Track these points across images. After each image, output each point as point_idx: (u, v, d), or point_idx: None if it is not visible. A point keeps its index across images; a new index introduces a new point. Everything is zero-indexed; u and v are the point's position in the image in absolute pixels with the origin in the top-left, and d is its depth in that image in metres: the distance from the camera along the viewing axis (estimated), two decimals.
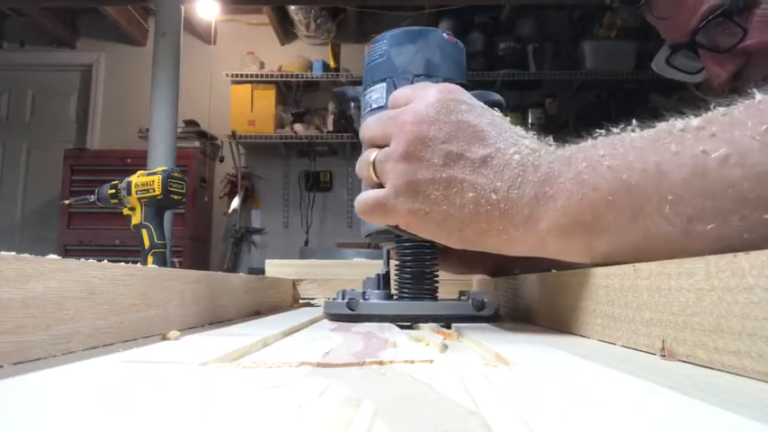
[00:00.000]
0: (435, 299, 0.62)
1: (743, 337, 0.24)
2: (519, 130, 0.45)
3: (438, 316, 0.57)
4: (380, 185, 0.48)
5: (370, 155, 0.49)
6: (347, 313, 0.58)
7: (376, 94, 0.61)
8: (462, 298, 0.63)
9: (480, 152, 0.43)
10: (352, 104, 0.70)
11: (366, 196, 0.49)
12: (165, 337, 0.39)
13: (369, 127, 0.50)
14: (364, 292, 0.61)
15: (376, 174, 0.48)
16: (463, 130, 0.44)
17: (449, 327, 0.53)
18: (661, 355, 0.30)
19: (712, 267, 0.26)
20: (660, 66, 0.82)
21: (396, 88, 0.57)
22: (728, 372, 0.25)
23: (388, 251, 0.72)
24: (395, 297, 0.62)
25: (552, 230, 0.41)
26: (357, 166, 0.51)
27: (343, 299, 0.60)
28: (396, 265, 0.64)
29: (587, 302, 0.42)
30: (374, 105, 0.61)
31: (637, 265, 0.34)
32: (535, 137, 0.45)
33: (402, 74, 0.60)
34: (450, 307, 0.58)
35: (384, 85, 0.61)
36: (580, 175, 0.39)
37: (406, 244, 0.62)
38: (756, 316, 0.23)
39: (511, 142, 0.43)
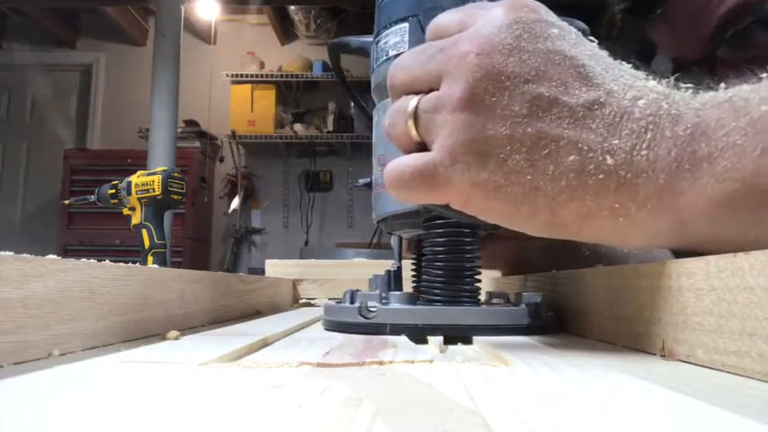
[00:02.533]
0: (477, 303, 0.46)
1: (743, 336, 0.24)
2: (628, 66, 0.33)
3: (485, 327, 0.42)
4: (423, 147, 0.34)
5: (407, 103, 0.34)
6: (359, 322, 0.43)
7: (394, 38, 0.46)
8: (495, 301, 0.50)
9: (584, 96, 0.31)
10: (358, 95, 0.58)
11: (403, 164, 0.34)
12: (164, 338, 0.39)
13: (403, 64, 0.36)
14: (381, 294, 0.45)
15: (418, 130, 0.34)
16: (556, 65, 0.31)
17: (464, 340, 0.40)
18: (661, 355, 0.30)
19: (712, 267, 0.26)
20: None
21: (424, 30, 0.40)
22: (728, 372, 0.25)
23: (401, 241, 0.56)
24: (420, 301, 0.46)
25: (709, 206, 0.29)
26: (386, 122, 0.36)
27: (352, 302, 0.45)
28: (418, 260, 0.50)
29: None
30: (392, 53, 0.46)
31: (638, 264, 0.34)
32: (653, 77, 0.32)
33: (431, 9, 0.43)
34: (501, 315, 0.43)
35: (406, 25, 0.45)
36: (758, 122, 0.28)
37: (439, 230, 0.46)
38: (756, 316, 0.23)
39: (626, 83, 0.31)
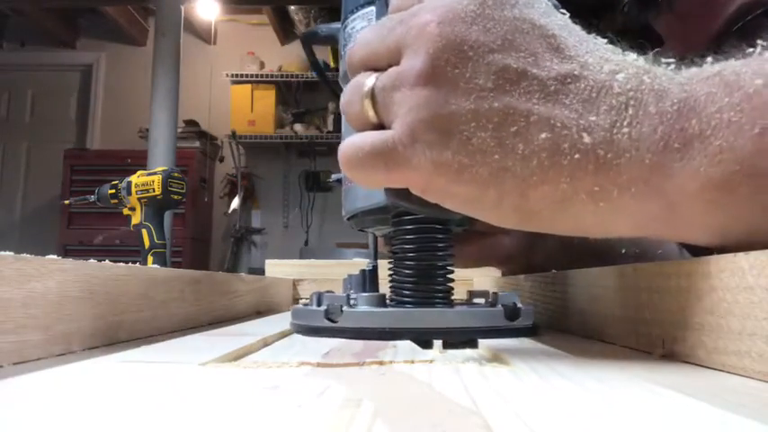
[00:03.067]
0: (450, 305, 0.43)
1: (743, 337, 0.24)
2: (603, 41, 0.30)
3: (456, 330, 0.39)
4: (381, 127, 0.32)
5: (364, 80, 0.32)
6: (325, 326, 0.40)
7: (361, 22, 0.44)
8: (476, 301, 0.47)
9: (556, 68, 0.28)
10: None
11: (360, 140, 0.31)
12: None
13: (363, 39, 0.33)
14: (348, 296, 0.42)
15: (376, 109, 0.31)
16: (525, 34, 0.29)
17: (471, 343, 0.38)
18: (661, 356, 0.30)
19: (712, 267, 0.26)
20: None
21: None
22: (728, 372, 0.25)
23: (376, 238, 0.54)
24: (390, 303, 0.44)
25: (703, 190, 0.26)
26: (342, 102, 0.34)
27: (319, 305, 0.42)
28: (392, 258, 0.47)
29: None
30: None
31: (637, 265, 0.34)
32: (631, 52, 0.30)
33: None
34: (473, 316, 0.40)
35: (373, 8, 0.44)
36: (754, 98, 0.25)
37: (409, 226, 0.43)
38: (756, 316, 0.23)
39: (601, 56, 0.29)
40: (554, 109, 0.28)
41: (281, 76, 4.12)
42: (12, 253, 0.27)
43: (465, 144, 0.29)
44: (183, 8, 3.28)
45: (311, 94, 4.30)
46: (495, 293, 0.43)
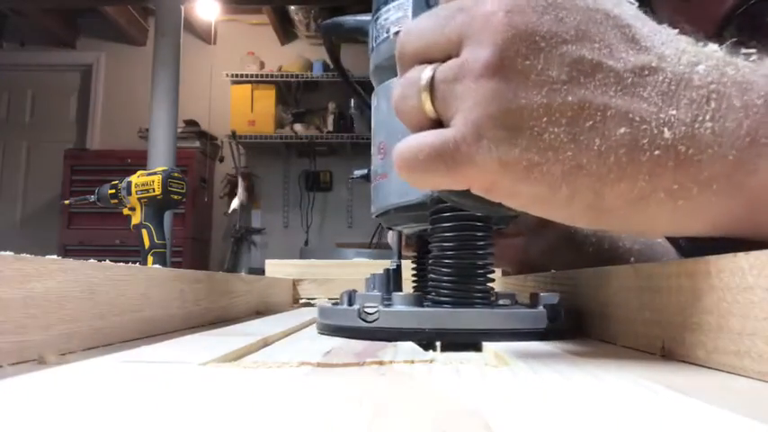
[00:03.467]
0: (491, 305, 0.41)
1: (743, 337, 0.24)
2: (674, 31, 0.29)
3: (499, 331, 0.37)
4: (439, 124, 0.29)
5: (420, 73, 0.30)
6: (359, 326, 0.39)
7: (396, 13, 0.41)
8: (503, 302, 0.44)
9: (632, 60, 0.27)
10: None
11: (419, 142, 0.29)
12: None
13: (416, 29, 0.31)
14: (382, 295, 0.40)
15: (435, 104, 0.29)
16: (598, 24, 0.27)
17: (475, 347, 0.36)
18: (661, 355, 0.30)
19: (712, 267, 0.26)
20: None
21: (429, 4, 0.37)
22: (728, 372, 0.25)
23: (401, 237, 0.52)
24: (427, 303, 0.41)
25: None
26: (394, 97, 0.31)
27: (350, 304, 0.40)
28: (419, 257, 0.45)
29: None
30: (394, 30, 0.41)
31: (637, 265, 0.34)
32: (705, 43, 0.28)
33: None
34: (516, 318, 0.38)
35: None
36: None
37: (448, 223, 0.41)
38: (756, 316, 0.23)
39: (677, 47, 0.27)
40: (632, 102, 0.26)
41: (281, 76, 4.12)
42: (12, 253, 0.27)
43: (536, 140, 0.27)
44: (183, 8, 3.29)
45: (311, 94, 4.30)
46: (534, 294, 0.42)
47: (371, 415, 0.17)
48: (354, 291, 0.43)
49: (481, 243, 0.42)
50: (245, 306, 0.64)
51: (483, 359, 0.32)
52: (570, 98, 0.27)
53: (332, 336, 0.41)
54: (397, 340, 0.37)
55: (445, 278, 0.41)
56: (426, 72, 0.29)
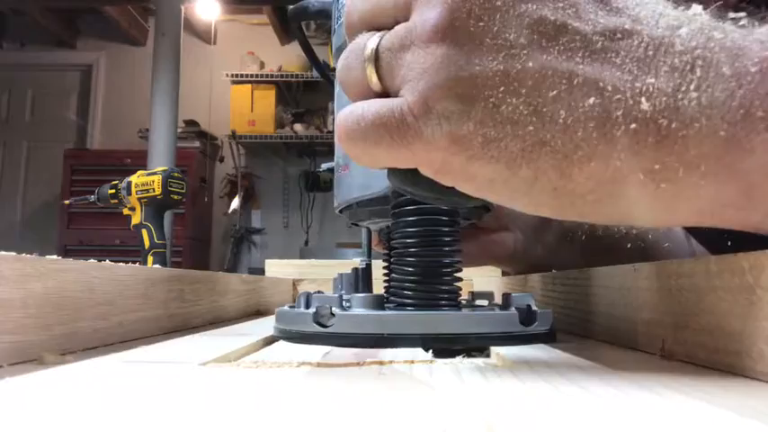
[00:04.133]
0: (458, 307, 0.39)
1: (743, 337, 0.24)
2: None
3: (465, 336, 0.34)
4: (385, 94, 0.27)
5: (365, 41, 0.27)
6: (314, 332, 0.35)
7: None
8: (479, 303, 0.42)
9: (602, 22, 0.24)
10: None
11: (362, 109, 0.27)
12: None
13: None
14: (341, 296, 0.37)
15: (380, 74, 0.27)
16: None
17: (480, 352, 0.34)
18: (661, 356, 0.30)
19: (712, 267, 0.26)
20: None
21: None
22: (728, 372, 0.25)
23: (370, 233, 0.48)
24: (389, 304, 0.38)
25: None
26: (338, 68, 0.29)
27: (308, 307, 0.37)
28: (390, 253, 0.41)
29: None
30: None
31: (637, 264, 0.34)
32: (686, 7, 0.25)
33: None
34: (484, 321, 0.35)
35: None
36: None
37: (411, 217, 0.38)
38: (756, 316, 0.23)
39: (654, 9, 0.24)
40: (602, 69, 0.23)
41: (281, 76, 4.12)
42: (12, 253, 0.27)
43: (492, 113, 0.24)
44: (183, 8, 3.28)
45: (311, 94, 4.30)
46: (507, 294, 0.38)
47: (371, 415, 0.17)
48: (319, 292, 0.39)
49: (447, 239, 0.39)
50: (246, 306, 0.64)
51: (484, 359, 0.31)
52: (531, 64, 0.24)
53: (290, 341, 0.37)
54: (354, 346, 0.34)
55: (408, 278, 0.38)
56: (372, 40, 0.27)
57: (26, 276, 0.27)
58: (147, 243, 1.26)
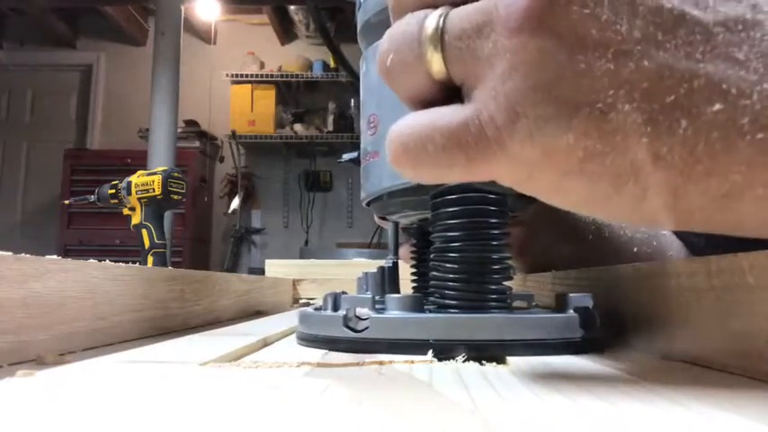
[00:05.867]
0: (509, 310, 0.35)
1: (743, 337, 0.24)
2: None
3: (522, 343, 0.30)
4: (450, 94, 0.22)
5: (422, 21, 0.22)
6: (345, 337, 0.32)
7: None
8: (517, 304, 0.38)
9: (722, 10, 0.20)
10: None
11: (426, 123, 0.22)
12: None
13: None
14: (374, 298, 0.34)
15: (447, 66, 0.22)
16: None
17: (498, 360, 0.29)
18: (661, 356, 0.30)
19: (712, 267, 0.26)
20: None
21: None
22: (729, 372, 0.25)
23: (398, 228, 0.43)
24: (429, 306, 0.35)
25: None
26: (382, 54, 0.23)
27: (335, 309, 0.34)
28: (419, 252, 0.38)
29: None
30: None
31: (637, 264, 0.34)
32: None
33: None
34: (543, 325, 0.31)
35: None
36: None
37: (453, 208, 0.34)
38: (756, 316, 0.23)
39: None
40: (726, 68, 0.20)
41: (281, 76, 4.12)
42: (12, 253, 0.27)
43: (598, 122, 0.20)
44: (183, 8, 3.28)
45: (311, 94, 4.30)
46: (563, 295, 0.34)
47: (371, 415, 0.17)
48: (343, 292, 0.36)
49: (495, 232, 0.34)
50: (245, 306, 0.64)
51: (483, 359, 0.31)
52: (646, 63, 0.20)
53: (315, 348, 0.34)
54: (392, 353, 0.30)
55: (451, 276, 0.34)
56: (431, 19, 0.22)
57: (26, 276, 0.27)
58: (147, 243, 1.26)
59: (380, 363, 0.28)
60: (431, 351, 0.29)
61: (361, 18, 0.36)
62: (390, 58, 0.23)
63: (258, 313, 0.68)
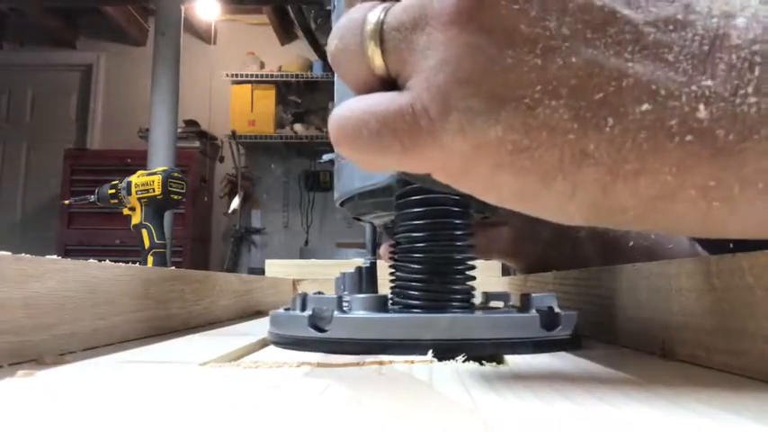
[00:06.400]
0: (471, 309, 0.35)
1: (743, 337, 0.24)
2: None
3: (480, 342, 0.31)
4: (391, 84, 0.23)
5: (365, 14, 0.23)
6: (309, 337, 0.32)
7: None
8: (493, 304, 0.39)
9: (653, 10, 0.20)
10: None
11: (364, 107, 0.23)
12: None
13: None
14: (340, 297, 0.34)
15: (385, 57, 0.22)
16: None
17: (494, 359, 0.30)
18: (660, 356, 0.30)
19: (712, 267, 0.26)
20: None
21: None
22: (728, 372, 0.25)
23: (375, 228, 0.44)
24: (393, 306, 0.36)
25: None
26: (330, 47, 0.24)
27: (304, 309, 0.34)
28: (396, 250, 0.37)
29: None
30: None
31: (637, 264, 0.34)
32: None
33: None
34: (500, 325, 0.32)
35: None
36: None
37: (418, 208, 0.35)
38: (756, 316, 0.23)
39: None
40: (655, 69, 0.20)
41: (281, 76, 4.12)
42: (11, 253, 0.27)
43: (525, 116, 0.20)
44: (183, 8, 3.28)
45: (311, 94, 4.30)
46: (526, 295, 0.34)
47: (371, 415, 0.17)
48: (319, 293, 0.36)
49: (459, 233, 0.35)
50: (246, 306, 0.64)
51: (483, 359, 0.31)
52: (574, 59, 0.20)
53: (285, 348, 0.34)
54: (355, 353, 0.30)
55: (414, 276, 0.34)
56: (373, 13, 0.22)
57: (26, 276, 0.27)
58: (147, 243, 1.26)
59: (380, 363, 0.28)
60: (430, 351, 0.30)
61: (334, 20, 0.37)
62: (335, 44, 0.24)
63: (258, 313, 0.68)
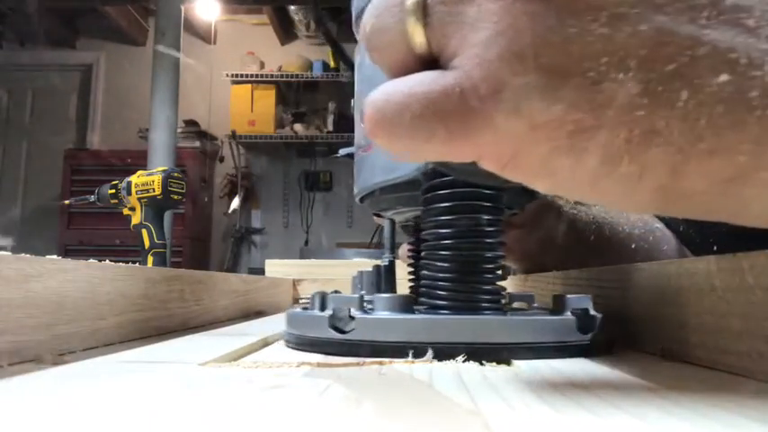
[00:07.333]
0: (503, 311, 0.33)
1: (743, 337, 0.24)
2: None
3: (516, 346, 0.29)
4: (433, 61, 0.21)
5: None
6: (330, 338, 0.31)
7: None
8: (516, 305, 0.37)
9: None
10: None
11: (405, 90, 0.20)
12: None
13: None
14: (361, 297, 0.32)
15: (428, 33, 0.20)
16: None
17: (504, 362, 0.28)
18: (661, 356, 0.30)
19: (712, 267, 0.26)
20: None
21: None
22: (728, 372, 0.25)
23: (394, 225, 0.42)
24: (419, 307, 0.33)
25: None
26: (365, 30, 0.22)
27: (322, 309, 0.32)
28: (416, 249, 0.36)
29: None
30: None
31: (638, 264, 0.34)
32: None
33: None
34: (537, 328, 0.30)
35: None
36: None
37: (445, 203, 0.33)
38: (756, 316, 0.23)
39: None
40: (734, 35, 0.17)
41: (281, 76, 4.12)
42: (11, 253, 0.27)
43: (589, 93, 0.18)
44: (182, 8, 3.28)
45: (311, 94, 4.30)
46: (560, 296, 0.33)
47: (371, 415, 0.17)
48: (336, 291, 0.34)
49: (489, 229, 0.33)
50: (245, 306, 0.64)
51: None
52: (644, 27, 0.18)
53: (301, 350, 0.33)
54: (380, 356, 0.29)
55: (441, 275, 0.32)
56: None
57: (26, 276, 0.27)
58: (147, 243, 1.26)
59: (380, 363, 0.28)
60: (430, 351, 0.29)
61: (355, 7, 0.35)
62: (371, 23, 0.21)
63: (258, 313, 0.68)
